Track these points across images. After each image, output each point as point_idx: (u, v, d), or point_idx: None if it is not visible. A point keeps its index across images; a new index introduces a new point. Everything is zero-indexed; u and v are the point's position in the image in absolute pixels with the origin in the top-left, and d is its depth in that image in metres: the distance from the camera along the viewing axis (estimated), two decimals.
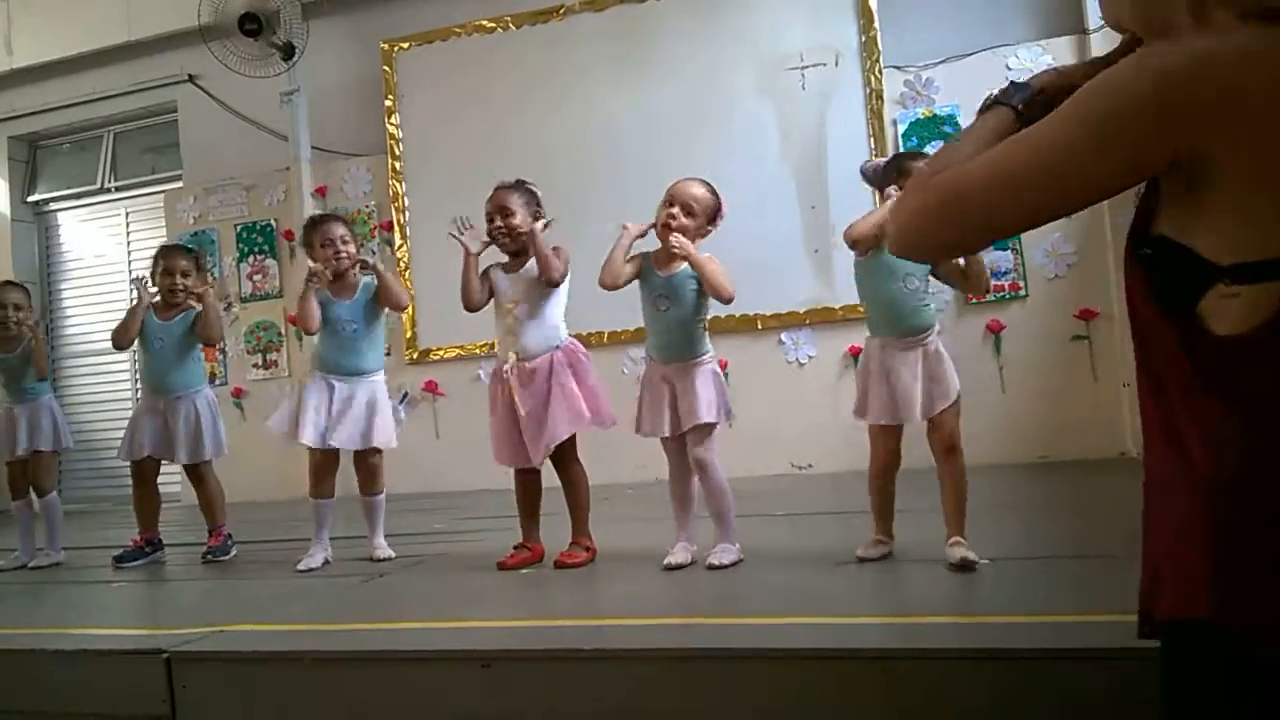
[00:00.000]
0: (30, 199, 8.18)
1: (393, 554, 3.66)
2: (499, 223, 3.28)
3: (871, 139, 5.67)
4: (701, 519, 3.12)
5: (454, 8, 6.57)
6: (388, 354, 6.45)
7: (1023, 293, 5.51)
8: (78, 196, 8.08)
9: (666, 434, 3.04)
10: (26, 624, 3.06)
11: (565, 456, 3.30)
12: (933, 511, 2.83)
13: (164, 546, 4.19)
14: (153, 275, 4.15)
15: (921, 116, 5.69)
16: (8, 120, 7.97)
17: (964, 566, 2.59)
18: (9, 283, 4.60)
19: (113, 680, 2.43)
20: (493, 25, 6.47)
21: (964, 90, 5.60)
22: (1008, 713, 1.83)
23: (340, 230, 3.77)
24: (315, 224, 3.85)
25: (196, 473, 4.11)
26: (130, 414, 4.30)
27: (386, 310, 3.86)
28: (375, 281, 3.75)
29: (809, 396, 5.63)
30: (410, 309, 6.57)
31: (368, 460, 3.71)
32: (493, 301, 3.37)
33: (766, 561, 3.01)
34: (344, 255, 3.74)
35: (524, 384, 3.22)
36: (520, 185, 3.36)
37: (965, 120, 5.61)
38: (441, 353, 6.52)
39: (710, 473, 3.03)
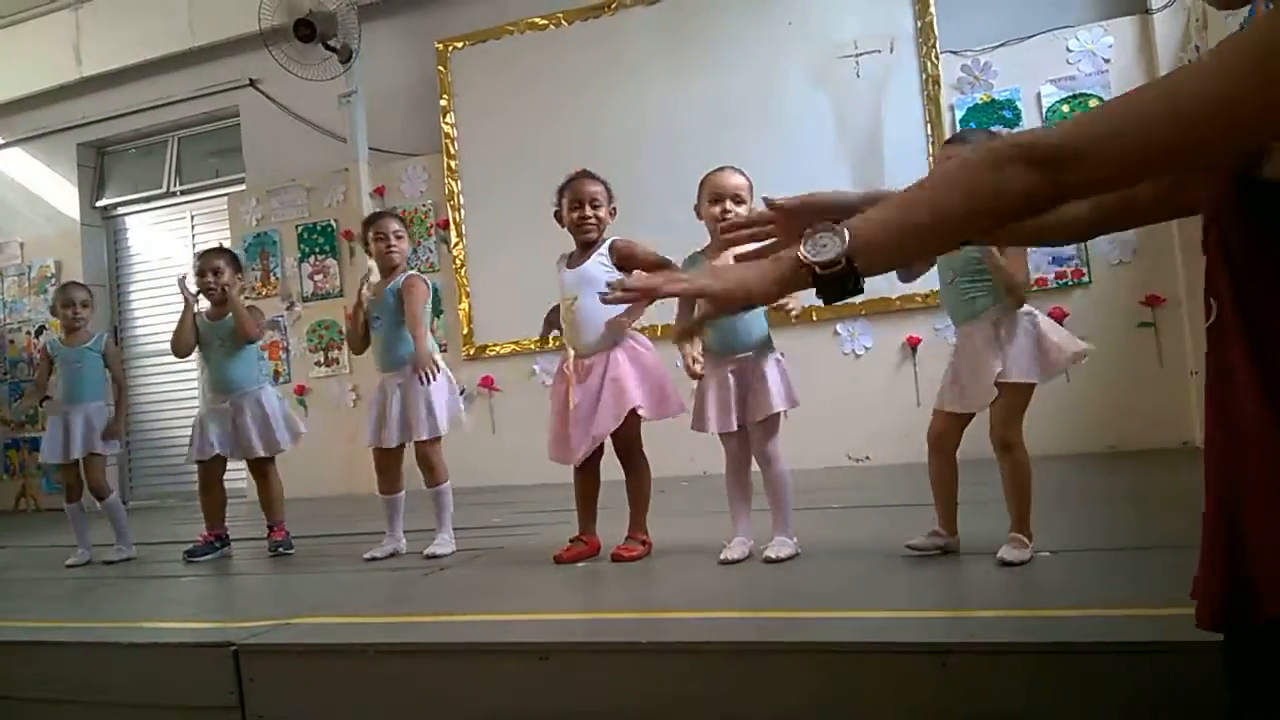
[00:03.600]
0: (99, 204, 8.43)
1: (447, 551, 3.65)
2: (589, 213, 3.29)
3: (928, 126, 5.59)
4: (755, 512, 3.10)
5: (506, 6, 6.63)
6: (444, 350, 6.59)
7: (1086, 279, 5.38)
8: (145, 200, 8.30)
9: (734, 428, 3.01)
10: (101, 618, 3.15)
11: (631, 450, 3.30)
12: (996, 502, 2.77)
13: (230, 541, 4.30)
14: (194, 275, 4.31)
15: (980, 101, 5.59)
16: (77, 127, 8.22)
17: (1005, 564, 2.54)
18: (74, 283, 4.75)
19: (183, 672, 2.50)
20: (545, 22, 6.50)
21: (1023, 74, 5.51)
22: (1067, 708, 1.80)
23: (394, 225, 3.86)
24: (371, 220, 3.95)
25: (261, 468, 4.20)
26: (193, 413, 4.42)
27: (425, 302, 3.83)
28: (403, 278, 3.80)
29: (866, 388, 5.57)
30: (466, 305, 6.66)
31: (421, 451, 3.75)
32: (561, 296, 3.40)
33: (823, 555, 2.99)
34: (395, 250, 3.81)
35: (580, 379, 3.24)
36: (599, 177, 3.39)
37: (1025, 105, 5.52)
38: (498, 348, 6.58)
39: (776, 465, 3.02)
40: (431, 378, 3.56)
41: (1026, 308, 2.71)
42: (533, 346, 6.26)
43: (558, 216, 3.40)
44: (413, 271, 3.94)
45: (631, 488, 3.33)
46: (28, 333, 8.41)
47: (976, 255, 2.69)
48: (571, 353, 3.27)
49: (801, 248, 1.05)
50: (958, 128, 5.58)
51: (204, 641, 2.52)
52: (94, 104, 8.10)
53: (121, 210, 8.43)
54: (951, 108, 5.64)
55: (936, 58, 5.62)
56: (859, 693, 1.93)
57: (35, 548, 5.39)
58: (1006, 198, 0.97)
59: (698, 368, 3.04)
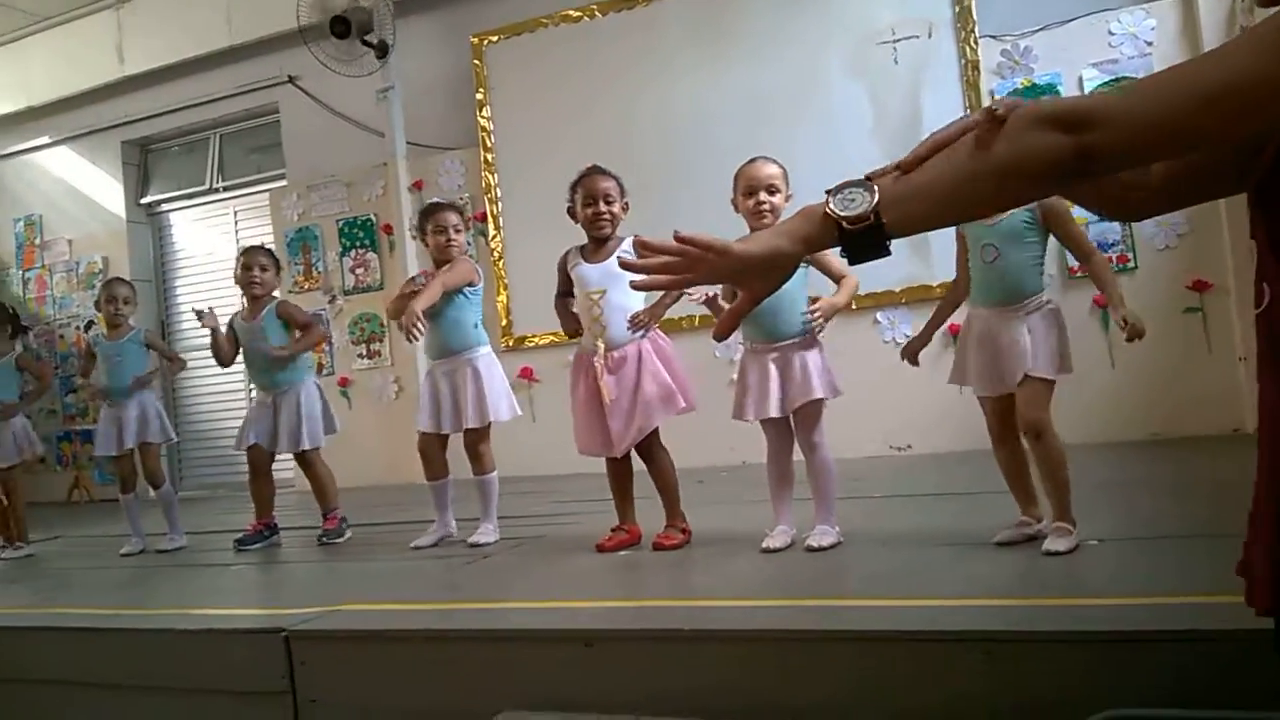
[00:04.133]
0: (144, 201, 8.58)
1: (490, 540, 3.69)
2: (603, 209, 3.31)
3: (968, 111, 5.53)
4: (797, 501, 3.11)
5: None
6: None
7: (1131, 265, 5.31)
8: (188, 197, 8.44)
9: (775, 414, 3.00)
10: (156, 605, 3.23)
11: (650, 443, 3.32)
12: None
13: (280, 530, 4.38)
14: (235, 271, 4.40)
15: (1020, 86, 5.52)
16: (121, 126, 8.37)
17: (1049, 554, 2.53)
18: (117, 279, 4.86)
19: (236, 658, 2.56)
20: (579, 14, 6.51)
21: (1065, 57, 5.43)
22: (1113, 696, 1.79)
23: (454, 219, 3.87)
24: (430, 211, 3.94)
25: (304, 459, 4.27)
26: (241, 404, 4.50)
27: (465, 281, 3.83)
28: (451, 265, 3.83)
29: (907, 376, 5.44)
30: (504, 297, 6.71)
31: (469, 439, 3.80)
32: (576, 291, 3.41)
33: (866, 544, 2.98)
34: (454, 244, 3.84)
35: (613, 371, 3.25)
36: (609, 171, 3.41)
37: (1067, 89, 5.44)
38: (536, 339, 6.61)
39: (820, 452, 3.02)
40: (410, 335, 3.45)
41: (1053, 303, 2.72)
42: (571, 339, 6.30)
43: (571, 213, 3.41)
44: (464, 257, 3.94)
45: (657, 478, 3.34)
46: (77, 328, 8.60)
47: (1028, 232, 2.66)
48: (601, 346, 3.28)
49: (830, 202, 1.05)
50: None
51: (256, 627, 2.58)
52: (137, 102, 8.24)
53: (166, 207, 8.58)
54: (991, 93, 5.56)
55: (975, 42, 5.56)
56: (902, 681, 1.94)
57: (89, 537, 5.52)
58: (1033, 158, 0.97)
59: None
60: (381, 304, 7.08)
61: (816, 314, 2.98)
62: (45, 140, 8.71)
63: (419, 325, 3.42)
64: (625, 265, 1.14)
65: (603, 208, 3.31)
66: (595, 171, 3.39)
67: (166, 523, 4.52)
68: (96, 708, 2.76)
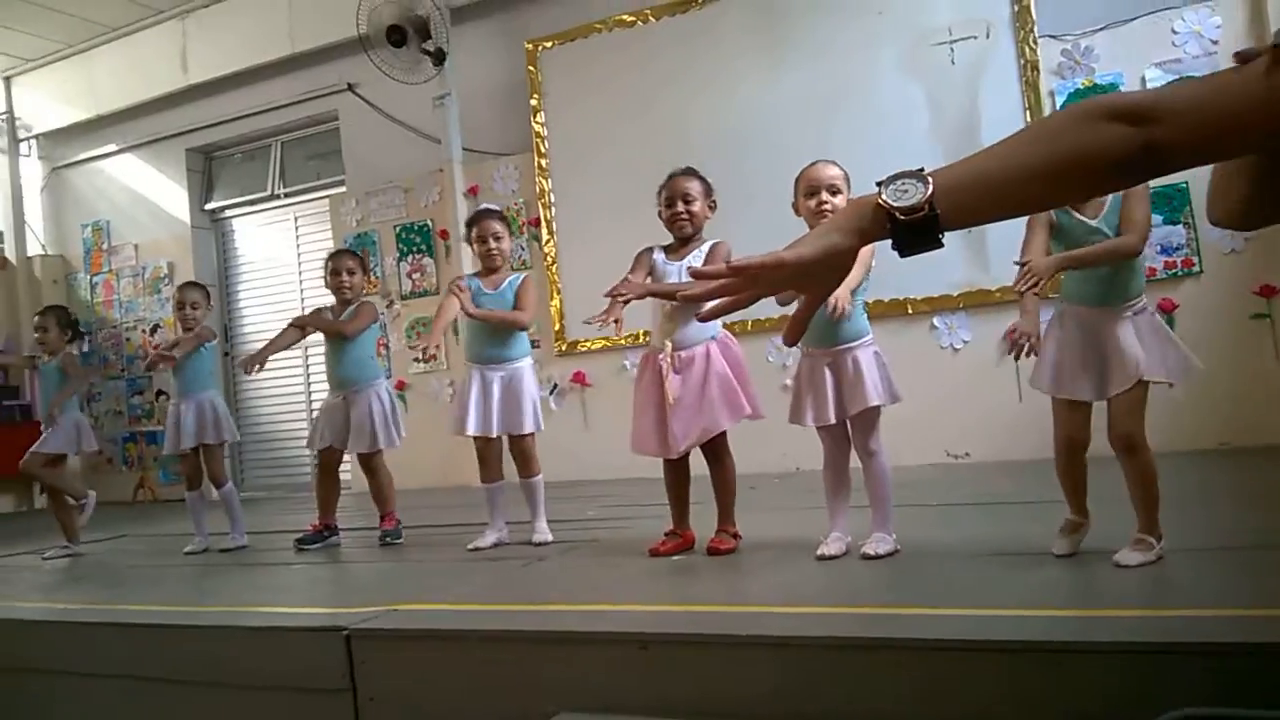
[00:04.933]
0: (208, 207, 8.79)
1: (551, 538, 3.78)
2: (681, 208, 3.31)
3: (1027, 113, 5.45)
4: (852, 508, 3.08)
5: (594, 4, 6.68)
6: (536, 346, 6.69)
7: (1196, 269, 5.18)
8: (250, 203, 8.63)
9: (833, 421, 2.97)
10: (219, 603, 3.29)
11: (719, 447, 3.31)
12: (1117, 502, 2.67)
13: (339, 531, 4.45)
14: (324, 276, 4.46)
15: (1081, 86, 5.43)
16: (185, 133, 8.60)
17: (1119, 566, 2.47)
18: (191, 283, 4.97)
19: (298, 656, 2.60)
20: (632, 19, 6.54)
21: (1127, 57, 5.33)
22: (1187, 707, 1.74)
23: (496, 227, 3.93)
24: (475, 219, 4.02)
25: (370, 463, 4.33)
26: (301, 407, 4.58)
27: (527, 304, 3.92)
28: (519, 278, 3.91)
29: (965, 383, 5.46)
30: (557, 302, 6.75)
31: (520, 444, 3.84)
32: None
33: (924, 552, 2.94)
34: (496, 252, 3.90)
35: (678, 371, 3.25)
36: (696, 172, 3.40)
37: (1129, 89, 5.33)
38: (589, 344, 6.65)
39: (878, 458, 2.98)
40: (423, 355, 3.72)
41: (1150, 308, 2.62)
42: (624, 342, 6.32)
43: (662, 219, 3.42)
44: (529, 273, 4.02)
45: (718, 480, 3.33)
46: (143, 331, 8.83)
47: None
48: (669, 345, 3.28)
49: (882, 193, 1.03)
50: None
51: (317, 626, 2.61)
52: (201, 110, 8.45)
53: (229, 213, 8.78)
54: (1051, 93, 5.48)
55: (1035, 42, 5.48)
56: (965, 691, 1.91)
57: (154, 536, 5.65)
58: (1093, 151, 0.95)
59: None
60: (435, 308, 7.15)
61: (837, 313, 2.90)
62: (113, 148, 8.97)
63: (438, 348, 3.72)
64: (685, 298, 1.16)
65: (680, 208, 3.32)
66: (680, 172, 3.40)
67: (229, 522, 4.61)
68: (161, 703, 2.82)
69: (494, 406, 3.80)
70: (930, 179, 1.01)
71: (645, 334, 6.14)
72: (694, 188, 3.34)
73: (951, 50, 5.65)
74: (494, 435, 3.83)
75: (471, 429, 3.82)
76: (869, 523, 2.99)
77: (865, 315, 3.04)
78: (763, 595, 2.70)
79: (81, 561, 4.69)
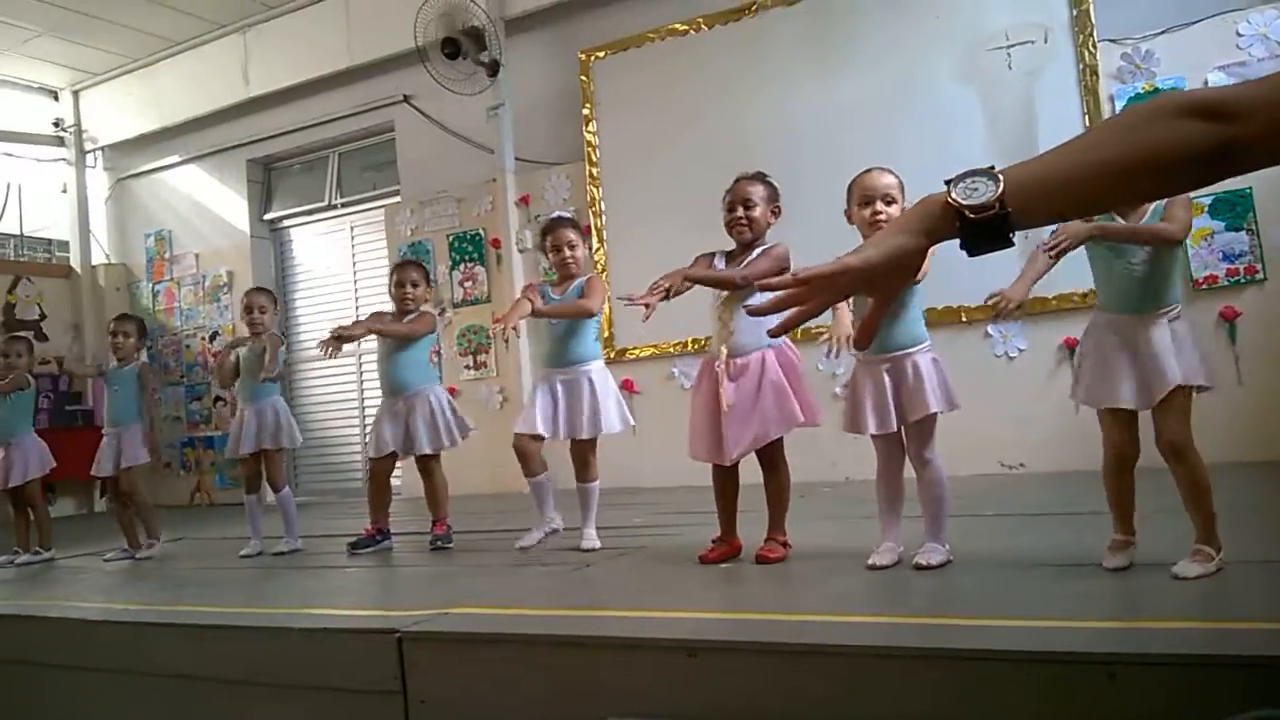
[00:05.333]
0: (267, 216, 8.97)
1: (598, 545, 3.78)
2: (740, 213, 3.31)
3: (1086, 118, 5.36)
4: (905, 519, 3.04)
5: (647, 14, 6.71)
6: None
7: (1260, 276, 5.04)
8: (308, 213, 8.80)
9: (893, 429, 2.93)
10: (274, 604, 3.34)
11: (774, 455, 3.29)
12: (1171, 513, 2.62)
13: (391, 536, 4.49)
14: (389, 287, 4.52)
15: (1141, 91, 5.32)
16: (246, 145, 8.79)
17: (1177, 579, 2.41)
18: (258, 288, 5.08)
19: (350, 657, 2.62)
20: (685, 28, 6.55)
21: (1189, 61, 5.22)
22: None
23: (570, 236, 3.95)
24: (550, 227, 4.04)
25: (427, 466, 4.38)
26: (355, 414, 4.63)
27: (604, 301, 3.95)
28: (585, 279, 3.93)
29: (1020, 392, 5.37)
30: (607, 309, 6.76)
31: (579, 448, 3.85)
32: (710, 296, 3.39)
33: (977, 563, 2.89)
34: (570, 260, 3.92)
35: (733, 378, 3.23)
36: (764, 178, 3.39)
37: None
38: (637, 351, 6.65)
39: (933, 467, 2.94)
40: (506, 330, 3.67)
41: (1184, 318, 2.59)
42: (672, 350, 6.32)
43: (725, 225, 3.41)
44: (595, 274, 4.03)
45: (772, 488, 3.30)
46: (203, 338, 9.02)
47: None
48: (724, 351, 3.27)
49: (951, 191, 1.01)
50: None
51: (370, 628, 2.64)
52: (261, 122, 8.64)
53: (287, 222, 8.95)
54: (1111, 98, 5.38)
55: (1094, 46, 5.38)
56: (1018, 703, 1.87)
57: (210, 539, 5.76)
58: (1168, 149, 0.92)
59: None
60: (489, 316, 7.22)
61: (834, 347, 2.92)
62: (175, 159, 9.20)
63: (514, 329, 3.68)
64: (753, 311, 1.15)
65: (740, 213, 3.31)
66: (746, 177, 3.39)
67: (284, 526, 4.68)
68: (216, 703, 2.87)
69: (559, 410, 3.81)
70: (1000, 176, 0.99)
71: (694, 341, 6.15)
72: (756, 193, 3.32)
73: (1009, 55, 5.58)
74: (546, 436, 3.82)
75: (521, 427, 3.85)
76: (921, 533, 2.95)
77: (923, 321, 3.00)
78: (812, 604, 2.67)
79: (140, 564, 4.79)
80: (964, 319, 5.53)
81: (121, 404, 5.00)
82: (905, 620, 2.37)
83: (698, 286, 3.34)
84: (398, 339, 4.35)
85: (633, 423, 3.93)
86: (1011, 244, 1.00)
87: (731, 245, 3.42)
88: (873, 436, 2.99)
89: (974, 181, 1.00)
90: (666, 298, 3.29)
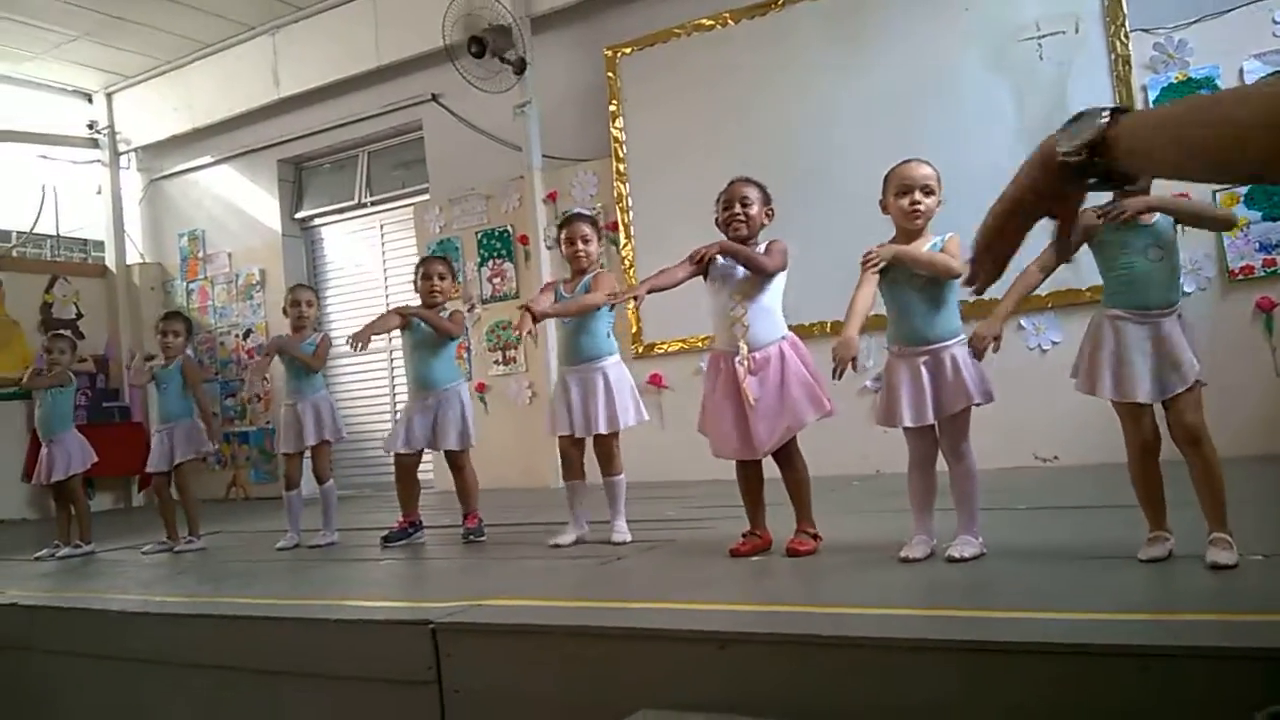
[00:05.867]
0: (298, 215, 9.06)
1: (629, 538, 3.81)
2: (737, 210, 3.33)
3: None
4: (937, 511, 3.03)
5: (673, 9, 6.71)
6: None
7: None
8: (338, 212, 8.88)
9: (929, 421, 2.92)
10: (311, 596, 3.39)
11: (789, 446, 3.29)
12: (1182, 504, 2.61)
13: (424, 527, 4.54)
14: (415, 281, 4.56)
15: (1175, 81, 5.26)
16: (276, 145, 8.88)
17: (1217, 568, 2.39)
18: (301, 285, 5.15)
19: (385, 648, 2.66)
20: (711, 23, 6.54)
21: (1223, 49, 5.15)
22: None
23: (584, 230, 4.00)
24: (566, 221, 4.09)
25: (457, 461, 4.42)
26: (387, 409, 4.68)
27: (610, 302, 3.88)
28: (594, 274, 3.97)
29: (1054, 384, 5.23)
30: (634, 304, 6.77)
31: (601, 443, 3.88)
32: (710, 292, 3.41)
33: (1010, 556, 2.88)
34: (583, 254, 3.96)
35: (754, 372, 3.24)
36: (756, 182, 3.42)
37: (1225, 83, 5.13)
38: (665, 346, 6.66)
39: (967, 460, 2.93)
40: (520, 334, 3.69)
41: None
42: (700, 344, 6.32)
43: (719, 223, 3.42)
44: (603, 270, 4.09)
45: (792, 482, 3.30)
46: (236, 336, 9.13)
47: (1176, 235, 2.63)
48: (744, 347, 3.27)
49: (1057, 136, 1.00)
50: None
51: (405, 619, 2.67)
52: (292, 122, 8.73)
53: (318, 221, 9.04)
54: (1144, 88, 5.32)
55: (1126, 36, 5.32)
56: (1051, 695, 1.86)
57: (246, 532, 5.84)
58: None
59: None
60: (518, 312, 7.25)
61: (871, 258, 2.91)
62: (207, 159, 9.32)
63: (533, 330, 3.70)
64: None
65: (737, 209, 3.33)
66: (736, 180, 3.42)
67: (322, 519, 4.74)
68: (254, 693, 2.92)
69: (574, 407, 3.85)
70: (1114, 115, 0.97)
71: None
72: (752, 193, 3.36)
73: (1039, 46, 5.53)
74: (572, 435, 3.87)
75: (550, 429, 3.94)
76: (954, 526, 2.94)
77: (958, 313, 2.99)
78: (843, 597, 2.67)
79: (179, 557, 4.87)
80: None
81: (171, 401, 5.09)
82: (937, 612, 2.36)
83: (696, 284, 3.38)
84: (430, 337, 4.39)
85: (646, 417, 3.95)
86: (1124, 183, 1.00)
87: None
88: (906, 430, 2.98)
89: (1083, 122, 0.99)
90: (703, 270, 3.33)
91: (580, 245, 3.97)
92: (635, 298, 3.41)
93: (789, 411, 3.19)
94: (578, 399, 3.85)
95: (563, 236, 4.03)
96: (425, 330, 4.40)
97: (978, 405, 2.90)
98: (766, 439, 3.21)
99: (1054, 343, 5.45)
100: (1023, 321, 5.49)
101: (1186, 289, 2.58)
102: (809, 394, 3.20)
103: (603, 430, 3.83)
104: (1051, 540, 3.17)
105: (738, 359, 3.26)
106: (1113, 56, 5.35)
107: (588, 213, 4.30)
